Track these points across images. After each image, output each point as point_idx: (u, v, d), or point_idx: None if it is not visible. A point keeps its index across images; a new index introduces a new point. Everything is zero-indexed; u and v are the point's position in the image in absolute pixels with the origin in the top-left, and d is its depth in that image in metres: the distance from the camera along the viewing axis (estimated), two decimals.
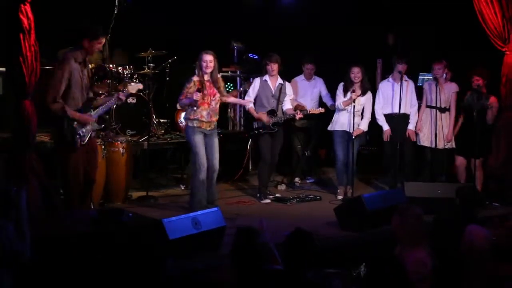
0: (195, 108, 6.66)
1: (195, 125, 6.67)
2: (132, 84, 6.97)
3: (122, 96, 6.29)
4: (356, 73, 7.51)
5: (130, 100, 8.04)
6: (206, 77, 6.71)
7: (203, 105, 6.67)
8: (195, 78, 6.72)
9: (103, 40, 6.11)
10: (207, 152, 6.75)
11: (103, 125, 6.35)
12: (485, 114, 7.39)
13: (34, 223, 4.50)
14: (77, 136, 5.89)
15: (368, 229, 6.10)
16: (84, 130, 5.95)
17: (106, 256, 4.87)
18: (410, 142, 7.79)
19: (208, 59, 6.67)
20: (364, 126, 7.64)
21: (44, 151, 6.78)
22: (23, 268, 3.75)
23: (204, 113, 6.67)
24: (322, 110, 7.68)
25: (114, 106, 7.82)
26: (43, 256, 4.46)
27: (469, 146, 7.37)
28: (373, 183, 8.55)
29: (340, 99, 7.60)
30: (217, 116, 6.86)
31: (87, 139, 5.99)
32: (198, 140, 6.68)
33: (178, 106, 8.15)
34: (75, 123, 5.89)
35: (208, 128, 6.73)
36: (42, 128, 6.49)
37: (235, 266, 3.64)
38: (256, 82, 7.56)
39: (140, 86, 6.81)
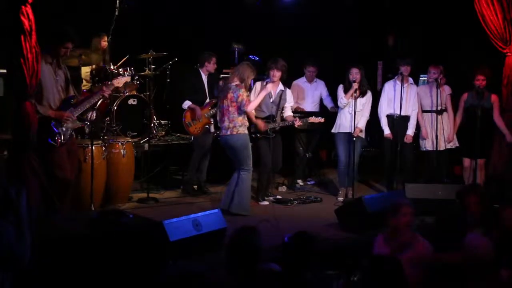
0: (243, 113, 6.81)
1: (246, 132, 6.82)
2: (119, 77, 6.66)
3: (106, 90, 6.12)
4: (354, 74, 7.48)
5: (131, 101, 8.04)
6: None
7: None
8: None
9: (70, 46, 5.84)
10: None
11: (86, 122, 6.08)
12: (489, 114, 7.38)
13: (34, 225, 4.49)
14: (57, 135, 5.74)
15: (368, 231, 6.09)
16: (63, 128, 5.81)
17: (106, 257, 4.87)
18: (410, 144, 7.78)
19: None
20: (361, 124, 7.60)
21: None
22: (22, 270, 3.74)
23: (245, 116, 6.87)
24: (321, 120, 7.58)
25: (115, 107, 7.85)
26: (43, 258, 4.46)
27: (473, 147, 7.35)
28: (373, 184, 8.53)
29: (341, 95, 7.56)
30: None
31: (68, 137, 5.83)
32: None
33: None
34: (53, 122, 5.75)
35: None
36: None
37: (231, 263, 3.64)
38: (257, 86, 7.47)
39: (128, 78, 6.61)
